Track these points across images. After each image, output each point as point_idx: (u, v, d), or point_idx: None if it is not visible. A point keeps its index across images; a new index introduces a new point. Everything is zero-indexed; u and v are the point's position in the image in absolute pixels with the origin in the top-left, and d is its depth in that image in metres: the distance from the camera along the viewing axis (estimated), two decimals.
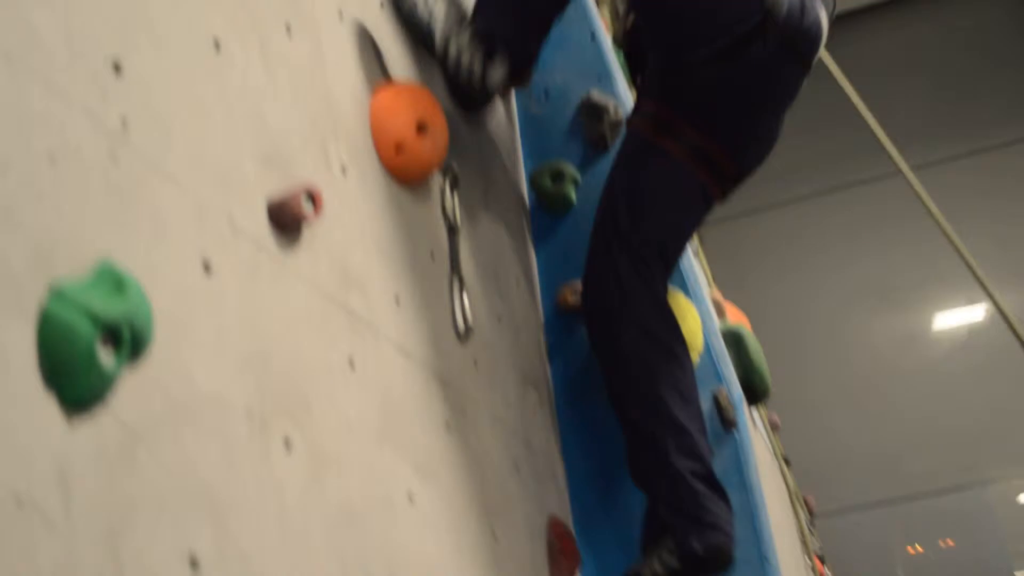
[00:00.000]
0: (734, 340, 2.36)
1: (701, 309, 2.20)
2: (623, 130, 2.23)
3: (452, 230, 1.73)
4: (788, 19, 1.81)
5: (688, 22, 1.88)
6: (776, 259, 8.31)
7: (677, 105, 1.97)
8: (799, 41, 1.87)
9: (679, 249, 2.06)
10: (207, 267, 0.96)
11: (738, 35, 1.81)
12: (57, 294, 0.75)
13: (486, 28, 1.83)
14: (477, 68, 1.80)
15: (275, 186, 1.13)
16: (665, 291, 1.99)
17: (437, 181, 1.73)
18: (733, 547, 1.81)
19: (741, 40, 1.81)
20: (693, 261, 2.51)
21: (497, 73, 1.83)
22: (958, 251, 2.40)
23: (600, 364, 2.00)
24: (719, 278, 4.51)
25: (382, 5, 1.69)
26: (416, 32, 1.77)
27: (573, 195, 2.34)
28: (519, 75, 1.99)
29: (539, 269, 2.32)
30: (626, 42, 2.21)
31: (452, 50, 1.77)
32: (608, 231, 2.00)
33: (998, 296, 2.64)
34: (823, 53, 2.12)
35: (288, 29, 1.28)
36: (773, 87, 1.94)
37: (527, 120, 2.39)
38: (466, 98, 1.92)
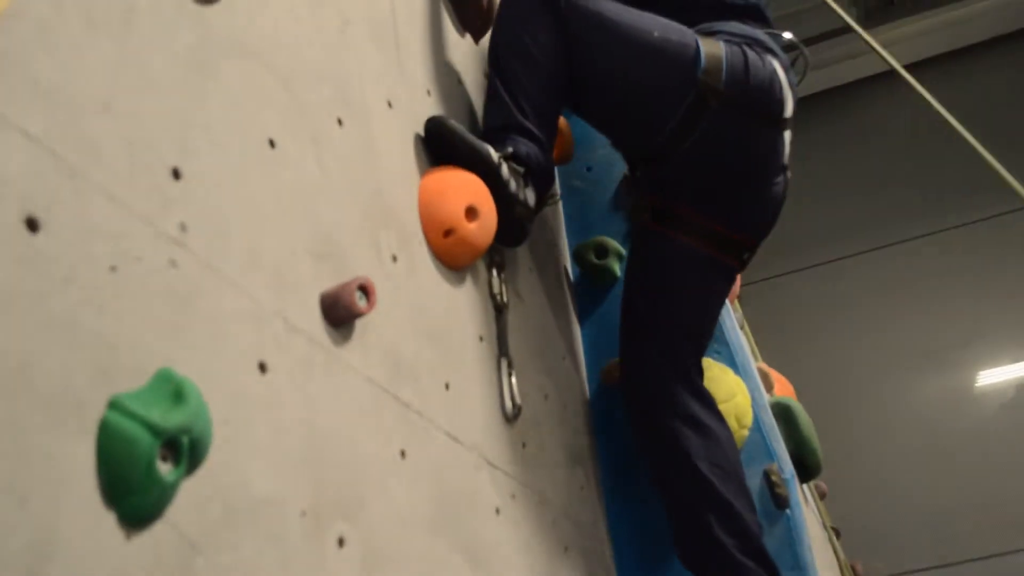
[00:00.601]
0: (784, 414, 2.32)
1: (750, 384, 2.17)
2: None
3: (500, 310, 1.73)
4: (730, 83, 1.82)
5: (632, 117, 1.92)
6: (815, 319, 8.20)
7: (668, 193, 1.99)
8: (753, 100, 1.86)
9: (707, 327, 2.05)
10: (263, 368, 0.96)
11: (682, 113, 1.83)
12: (117, 406, 0.74)
13: (511, 146, 1.76)
14: (523, 194, 1.74)
15: (329, 281, 1.13)
16: (699, 370, 1.99)
17: (484, 261, 1.73)
18: None
19: (688, 116, 1.83)
20: (739, 334, 2.48)
21: (532, 197, 1.79)
22: None
23: (640, 449, 1.99)
24: (758, 338, 4.47)
25: (429, 93, 1.71)
26: (468, 154, 1.63)
27: (617, 269, 2.34)
28: (545, 196, 1.94)
29: (584, 344, 2.31)
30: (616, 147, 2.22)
31: (507, 175, 1.69)
32: (631, 322, 2.04)
33: None
34: (931, 99, 2.11)
35: (340, 122, 1.29)
36: (749, 150, 1.93)
37: (570, 195, 2.39)
38: (518, 230, 1.79)
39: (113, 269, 0.79)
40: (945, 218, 7.28)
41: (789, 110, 1.94)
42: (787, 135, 1.97)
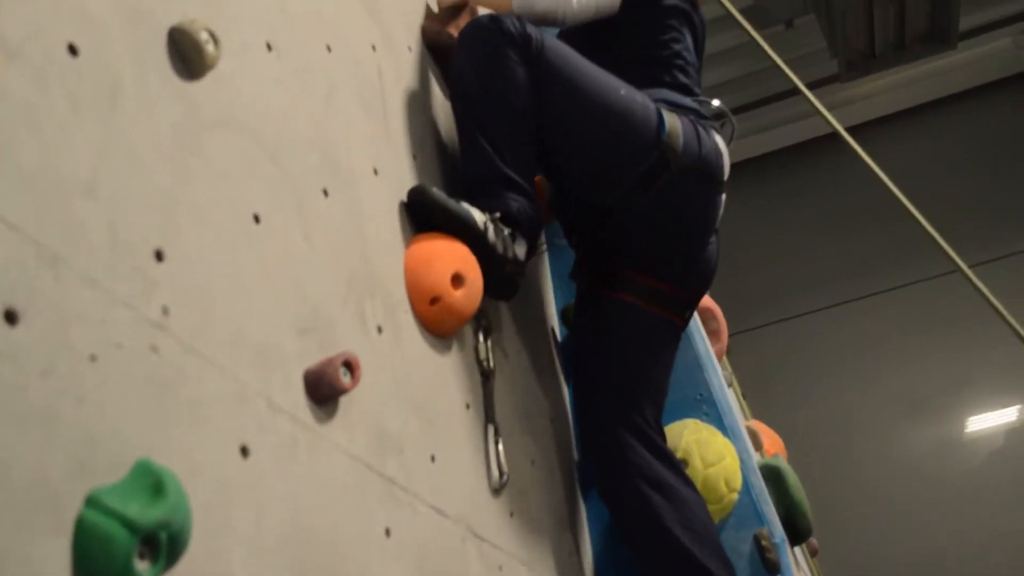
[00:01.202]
0: (773, 477, 2.30)
1: (739, 446, 2.15)
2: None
3: (487, 376, 1.71)
4: (686, 151, 1.92)
5: (593, 167, 1.94)
6: (804, 369, 8.20)
7: (614, 256, 2.03)
8: (703, 167, 1.97)
9: (661, 386, 2.06)
10: (245, 451, 0.93)
11: (641, 171, 1.89)
12: (94, 502, 0.72)
13: (500, 205, 1.75)
14: (511, 253, 1.73)
15: (314, 356, 1.12)
16: (659, 430, 1.99)
17: (471, 326, 1.72)
18: None
19: (647, 175, 1.89)
20: (727, 393, 2.47)
21: (522, 250, 1.79)
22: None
23: (613, 518, 1.97)
24: (745, 389, 4.45)
25: (415, 157, 1.71)
26: (452, 221, 1.62)
27: None
28: (536, 246, 1.94)
29: (571, 404, 2.28)
30: (556, 209, 2.22)
31: (494, 239, 1.69)
32: (584, 387, 2.06)
33: None
34: (865, 157, 2.22)
35: (325, 192, 1.29)
36: (693, 212, 2.01)
37: (556, 254, 2.39)
38: (509, 286, 1.81)
39: (93, 358, 0.77)
40: (929, 267, 7.31)
41: (727, 174, 2.06)
42: (723, 198, 2.07)
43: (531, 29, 1.85)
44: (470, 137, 1.82)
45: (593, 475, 2.08)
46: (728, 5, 2.73)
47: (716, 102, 2.26)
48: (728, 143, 2.12)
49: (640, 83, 2.01)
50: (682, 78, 2.13)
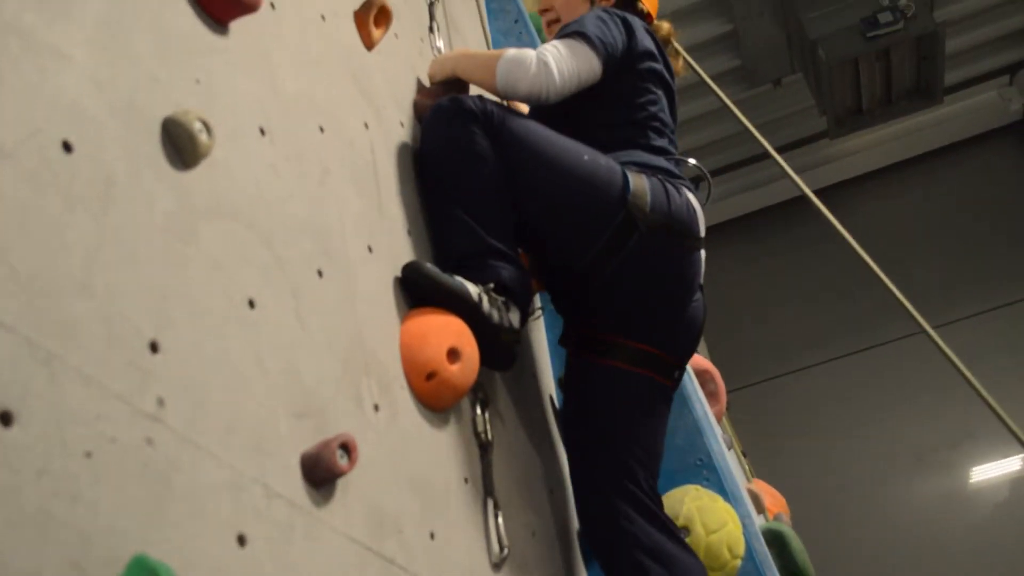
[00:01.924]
0: (776, 541, 2.28)
1: (740, 511, 2.14)
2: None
3: (485, 448, 1.70)
4: (654, 209, 1.93)
5: (561, 235, 1.96)
6: (805, 423, 8.17)
7: (600, 323, 2.03)
8: (673, 224, 1.96)
9: (656, 451, 2.04)
10: (242, 540, 0.93)
11: (610, 233, 1.89)
12: None
13: (491, 275, 1.77)
14: (507, 322, 1.75)
15: (310, 439, 1.11)
16: (655, 497, 1.97)
17: (468, 399, 1.72)
18: None
19: (615, 236, 1.90)
20: (727, 457, 2.46)
21: (516, 318, 1.80)
22: (987, 404, 2.34)
23: None
24: (745, 445, 4.42)
25: (409, 232, 1.72)
26: (446, 296, 1.64)
27: None
28: (529, 312, 1.95)
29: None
30: (539, 278, 2.24)
31: (488, 309, 1.70)
32: (578, 457, 2.03)
33: None
34: (838, 226, 2.22)
35: (320, 273, 1.30)
36: (669, 271, 1.99)
37: (553, 321, 2.39)
38: (507, 355, 1.83)
39: (88, 455, 0.77)
40: (932, 316, 7.34)
41: (703, 230, 2.06)
42: (703, 254, 2.07)
43: (491, 105, 1.89)
44: (447, 214, 1.83)
45: (591, 549, 2.06)
46: (698, 70, 2.78)
47: (692, 161, 2.29)
48: (705, 201, 2.14)
49: (616, 146, 2.04)
50: (657, 140, 2.15)
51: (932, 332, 2.29)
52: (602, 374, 2.01)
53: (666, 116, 2.22)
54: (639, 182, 1.94)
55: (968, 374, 2.28)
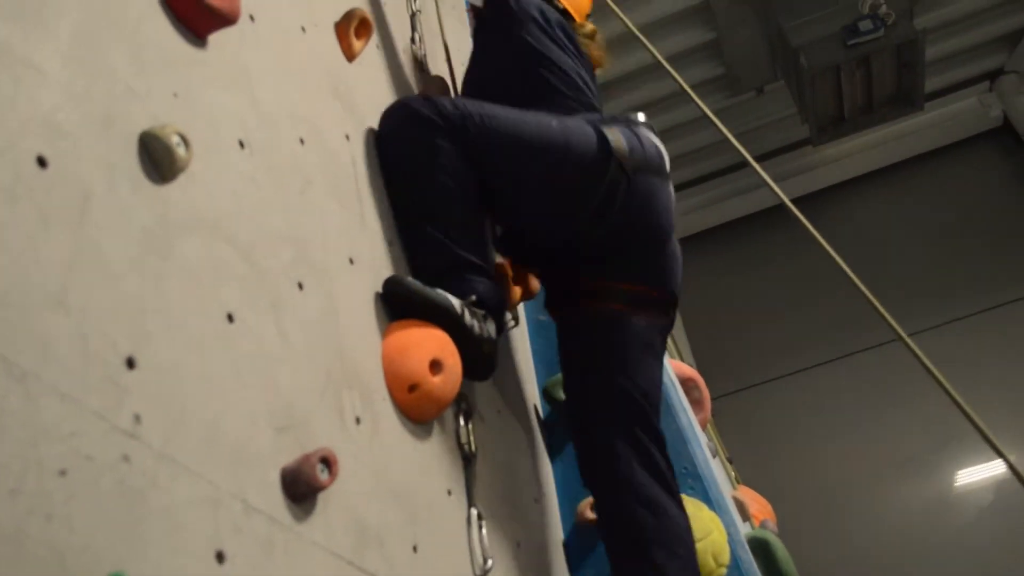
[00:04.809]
0: (762, 549, 2.28)
1: (725, 519, 2.14)
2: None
3: (468, 460, 1.70)
4: (633, 154, 2.01)
5: (561, 205, 1.99)
6: (790, 430, 8.18)
7: (593, 272, 2.06)
8: (651, 163, 2.06)
9: (656, 391, 2.06)
10: (220, 557, 0.92)
11: (604, 187, 1.96)
12: None
13: (468, 289, 1.76)
14: (486, 333, 1.75)
15: (290, 454, 1.11)
16: (657, 438, 1.97)
17: (452, 410, 1.71)
18: None
19: (610, 189, 1.97)
20: (712, 465, 2.46)
21: (493, 329, 1.79)
22: (963, 412, 2.34)
23: (600, 531, 1.95)
24: (733, 450, 4.41)
25: (391, 243, 1.72)
26: (431, 309, 1.64)
27: None
28: (503, 324, 1.95)
29: (556, 482, 2.27)
30: (524, 253, 2.26)
31: (470, 321, 1.70)
32: (581, 409, 2.03)
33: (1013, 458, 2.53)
34: (814, 232, 2.28)
35: (300, 286, 1.29)
36: (655, 207, 2.06)
37: (538, 331, 2.39)
38: (487, 366, 1.82)
39: (63, 473, 0.76)
40: (913, 322, 7.37)
41: (668, 165, 2.17)
42: (671, 187, 2.15)
43: (446, 107, 1.87)
44: (418, 228, 1.81)
45: (578, 552, 2.06)
46: (679, 79, 2.80)
47: (641, 116, 2.36)
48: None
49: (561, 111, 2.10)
50: (595, 102, 2.24)
51: (907, 339, 2.30)
52: (601, 321, 2.04)
53: (594, 86, 2.33)
54: (613, 133, 2.01)
55: (944, 381, 2.28)
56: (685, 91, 2.74)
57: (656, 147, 2.11)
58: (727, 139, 2.63)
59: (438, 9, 2.79)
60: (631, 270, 2.06)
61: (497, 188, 1.91)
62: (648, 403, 1.99)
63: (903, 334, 2.26)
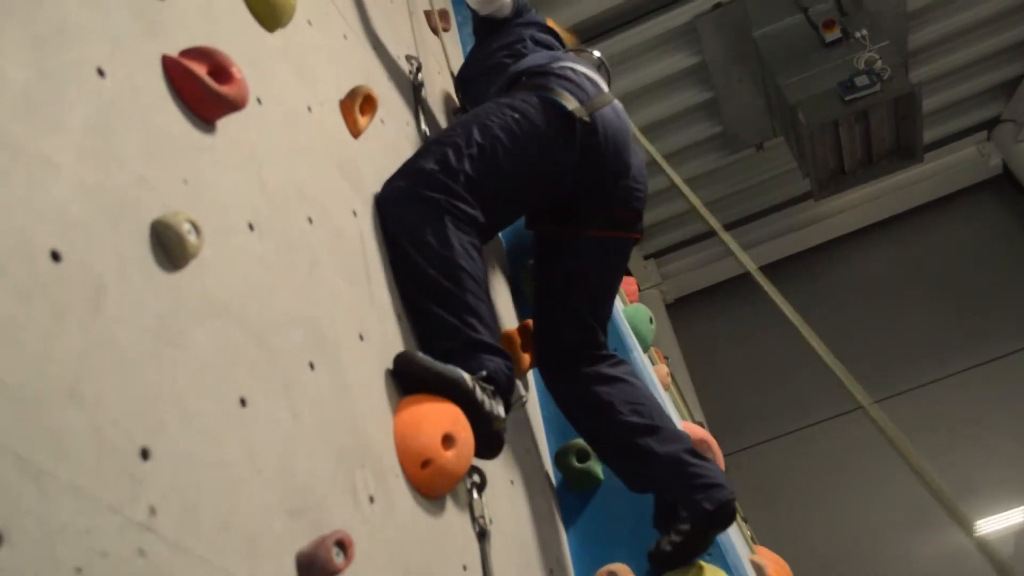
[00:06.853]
0: None
1: None
2: None
3: (482, 534, 1.68)
4: (581, 101, 2.17)
5: (553, 181, 2.19)
6: (805, 485, 8.09)
7: (571, 206, 2.26)
8: (595, 101, 2.21)
9: (611, 299, 2.37)
10: None
11: (579, 144, 2.14)
12: None
13: (479, 367, 1.75)
14: (496, 410, 1.74)
15: (305, 537, 1.10)
16: (605, 333, 2.31)
17: (465, 484, 1.70)
18: (735, 498, 2.01)
19: (586, 140, 2.15)
20: (731, 531, 2.42)
21: (501, 408, 1.78)
22: (923, 480, 2.32)
23: (567, 415, 2.24)
24: (746, 510, 4.34)
25: (400, 318, 1.72)
26: (443, 384, 1.63)
27: (600, 472, 2.30)
28: (511, 403, 1.94)
29: (571, 552, 2.24)
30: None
31: (481, 397, 1.69)
32: (546, 323, 2.28)
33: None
34: (774, 295, 2.44)
35: (311, 366, 1.29)
36: (613, 132, 2.22)
37: (549, 399, 2.38)
38: (496, 443, 1.79)
39: (78, 571, 0.76)
40: (925, 373, 7.34)
41: (606, 86, 2.36)
42: (617, 102, 2.32)
43: (451, 169, 1.94)
44: (424, 310, 1.80)
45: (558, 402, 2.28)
46: (651, 149, 2.91)
47: (596, 53, 2.72)
48: (608, 85, 2.41)
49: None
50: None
51: (869, 406, 2.36)
52: (581, 245, 2.26)
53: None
54: (558, 93, 2.17)
55: (906, 448, 2.29)
56: (673, 153, 2.79)
57: (586, 79, 2.26)
58: (720, 199, 2.72)
59: (445, 50, 2.92)
60: (603, 191, 2.23)
61: (498, 206, 2.02)
62: (604, 310, 2.31)
63: (864, 402, 2.36)
